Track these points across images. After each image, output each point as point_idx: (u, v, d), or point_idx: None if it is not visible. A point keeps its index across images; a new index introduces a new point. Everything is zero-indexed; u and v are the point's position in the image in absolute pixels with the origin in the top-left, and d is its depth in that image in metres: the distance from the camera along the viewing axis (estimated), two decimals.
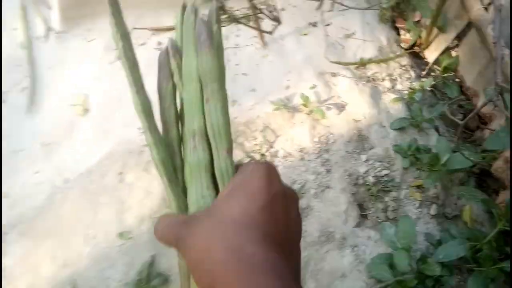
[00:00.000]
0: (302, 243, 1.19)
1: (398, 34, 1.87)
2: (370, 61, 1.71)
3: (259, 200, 0.31)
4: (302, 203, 1.31)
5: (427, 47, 1.78)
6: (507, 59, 1.26)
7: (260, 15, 1.55)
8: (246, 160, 1.39)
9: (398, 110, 1.55)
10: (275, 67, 1.69)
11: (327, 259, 1.20)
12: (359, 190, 1.35)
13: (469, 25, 1.60)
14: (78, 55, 1.69)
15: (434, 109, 1.50)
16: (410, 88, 1.63)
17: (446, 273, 1.17)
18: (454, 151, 1.33)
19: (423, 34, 1.75)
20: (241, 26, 1.69)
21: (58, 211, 1.25)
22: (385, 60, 1.72)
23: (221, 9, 1.36)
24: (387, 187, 1.35)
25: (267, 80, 1.65)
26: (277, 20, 1.56)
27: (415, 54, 1.80)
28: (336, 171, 1.38)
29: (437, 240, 1.25)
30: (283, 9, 1.86)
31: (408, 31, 1.82)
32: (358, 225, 1.28)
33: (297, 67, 1.68)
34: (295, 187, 1.35)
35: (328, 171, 1.38)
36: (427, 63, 1.75)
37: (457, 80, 1.66)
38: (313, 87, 1.61)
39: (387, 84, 1.64)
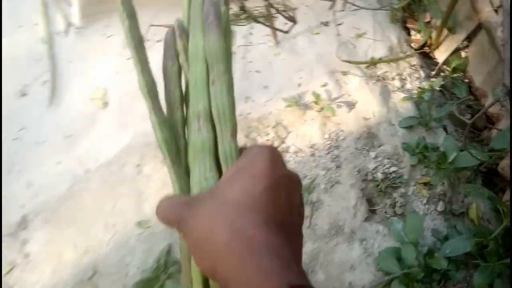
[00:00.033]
0: (312, 236, 1.24)
1: (409, 34, 1.89)
2: (381, 60, 1.74)
3: (263, 182, 0.31)
4: (313, 197, 1.34)
5: (437, 47, 1.80)
6: None
7: (275, 14, 1.58)
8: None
9: (407, 109, 1.57)
10: (287, 65, 1.72)
11: (337, 251, 1.24)
12: (368, 186, 1.38)
13: (479, 27, 1.62)
14: (97, 50, 1.73)
15: (442, 108, 1.53)
16: (419, 87, 1.65)
17: (453, 267, 1.20)
18: (461, 150, 1.36)
19: (433, 35, 1.77)
20: (254, 24, 1.72)
21: (79, 200, 1.30)
22: (395, 60, 1.74)
23: (242, 9, 1.39)
24: (395, 184, 1.38)
25: (280, 77, 1.68)
26: (293, 20, 1.58)
27: (425, 55, 1.82)
28: (346, 167, 1.41)
29: (444, 235, 1.28)
30: (295, 9, 1.88)
31: (419, 31, 1.84)
32: (366, 219, 1.31)
33: (309, 65, 1.72)
34: (306, 181, 1.38)
35: (338, 167, 1.42)
36: (436, 64, 1.77)
37: (466, 80, 1.69)
38: (324, 85, 1.64)
39: (396, 83, 1.66)
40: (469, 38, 1.71)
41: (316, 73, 1.68)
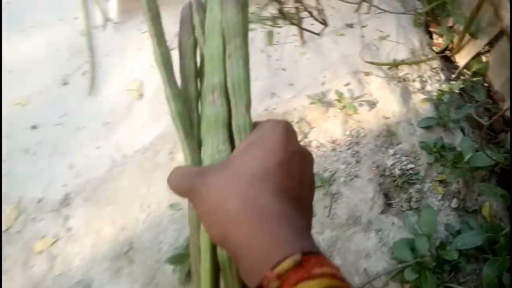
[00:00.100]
0: (331, 224, 1.33)
1: (431, 38, 1.96)
2: (403, 62, 1.81)
3: (276, 155, 0.31)
4: (333, 189, 1.44)
5: (458, 51, 1.87)
6: None
7: (305, 16, 1.68)
8: None
9: (426, 110, 1.65)
10: (312, 64, 1.81)
11: (353, 240, 1.33)
12: (385, 181, 1.47)
13: (501, 33, 1.68)
14: (133, 44, 1.85)
15: (461, 110, 1.60)
16: (439, 90, 1.73)
17: (463, 260, 1.28)
18: (477, 151, 1.43)
19: (455, 39, 1.84)
20: (281, 24, 1.82)
21: (117, 182, 1.42)
22: (416, 62, 1.82)
23: (280, 12, 1.49)
24: (412, 180, 1.46)
25: (305, 75, 1.78)
26: (324, 23, 1.68)
27: (446, 58, 1.89)
28: (365, 162, 1.50)
29: (457, 230, 1.36)
30: (322, 9, 1.97)
31: (441, 35, 1.91)
32: (383, 212, 1.40)
33: (333, 65, 1.81)
34: (326, 174, 1.48)
35: (358, 162, 1.51)
36: (457, 67, 1.84)
37: (485, 84, 1.75)
38: (347, 84, 1.73)
39: (417, 85, 1.74)
40: (491, 44, 1.77)
41: (339, 72, 1.77)
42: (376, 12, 1.94)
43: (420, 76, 1.78)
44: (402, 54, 1.86)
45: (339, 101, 1.65)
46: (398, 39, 1.91)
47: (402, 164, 1.49)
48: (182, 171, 0.35)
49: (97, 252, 1.29)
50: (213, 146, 0.36)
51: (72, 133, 1.57)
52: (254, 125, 0.36)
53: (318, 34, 1.76)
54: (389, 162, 1.50)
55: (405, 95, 1.71)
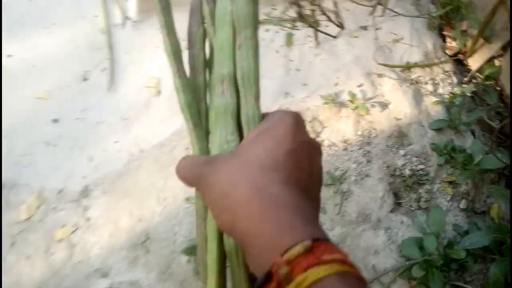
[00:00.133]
0: (341, 221, 1.38)
1: (444, 41, 2.00)
2: (416, 65, 1.85)
3: (285, 145, 0.31)
4: (343, 187, 1.48)
5: (471, 55, 1.90)
6: None
7: (319, 17, 1.73)
8: None
9: (438, 112, 1.69)
10: (326, 65, 1.86)
11: (363, 237, 1.38)
12: (395, 181, 1.51)
13: None
14: (151, 42, 1.92)
15: (472, 113, 1.64)
16: (451, 92, 1.77)
17: (470, 259, 1.31)
18: (487, 153, 1.47)
19: (469, 43, 1.87)
20: (299, 26, 1.87)
21: (134, 176, 1.48)
22: (429, 65, 1.86)
23: (300, 15, 1.54)
24: (422, 180, 1.50)
25: (318, 76, 1.83)
26: (341, 26, 1.73)
27: (458, 61, 1.93)
28: (376, 162, 1.55)
29: (464, 231, 1.40)
30: (337, 12, 2.02)
31: (454, 39, 1.95)
32: (392, 211, 1.44)
33: (346, 66, 1.85)
34: (337, 173, 1.52)
35: (369, 161, 1.55)
36: (469, 70, 1.87)
37: (497, 88, 1.79)
38: (360, 85, 1.78)
39: (429, 87, 1.78)
40: (505, 48, 1.80)
41: (353, 74, 1.82)
42: (390, 15, 1.99)
43: (433, 79, 1.82)
44: (415, 56, 1.90)
45: (351, 101, 1.70)
46: (412, 42, 1.95)
47: (412, 165, 1.53)
48: (191, 160, 0.35)
49: (115, 241, 1.36)
50: (221, 136, 0.36)
51: (91, 127, 1.64)
52: (263, 117, 0.36)
53: (334, 37, 1.81)
54: (400, 163, 1.54)
55: (417, 97, 1.75)
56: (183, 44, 0.42)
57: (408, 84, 1.79)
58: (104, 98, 1.73)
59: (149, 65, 1.83)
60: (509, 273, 1.23)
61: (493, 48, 1.82)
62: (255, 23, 0.38)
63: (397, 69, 1.84)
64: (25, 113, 1.65)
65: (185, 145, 1.54)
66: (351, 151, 1.59)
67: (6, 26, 1.94)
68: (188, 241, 1.32)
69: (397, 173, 1.52)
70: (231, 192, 0.30)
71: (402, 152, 1.57)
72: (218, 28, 0.38)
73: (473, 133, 1.64)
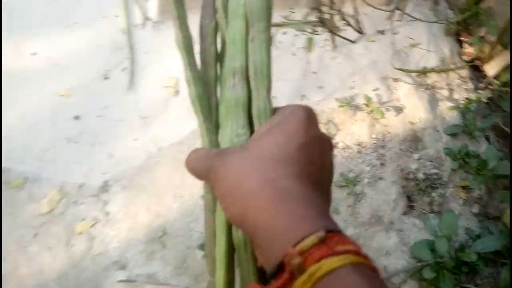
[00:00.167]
0: (354, 222, 1.43)
1: (461, 47, 2.03)
2: (432, 70, 1.89)
3: (297, 139, 0.31)
4: (357, 189, 1.53)
5: (488, 61, 1.93)
6: None
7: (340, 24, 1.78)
8: None
9: (452, 117, 1.73)
10: (342, 69, 1.91)
11: (375, 238, 1.42)
12: (408, 184, 1.55)
13: None
14: (171, 43, 1.97)
15: (487, 119, 1.67)
16: (467, 98, 1.80)
17: (482, 263, 1.35)
18: (502, 159, 1.50)
19: (486, 49, 1.90)
20: (319, 31, 1.93)
21: (152, 173, 1.55)
22: (445, 71, 1.89)
23: (321, 20, 1.60)
24: (435, 184, 1.54)
25: (334, 79, 1.87)
26: (360, 31, 1.78)
27: (475, 67, 1.96)
28: (390, 165, 1.59)
29: (476, 235, 1.43)
30: (354, 16, 2.07)
31: (471, 45, 1.98)
32: (405, 213, 1.49)
33: (362, 70, 1.90)
34: (351, 175, 1.57)
35: (382, 164, 1.60)
36: (485, 77, 1.90)
37: None
38: (376, 89, 1.82)
39: (445, 92, 1.82)
40: None
41: (369, 77, 1.87)
42: (408, 20, 2.03)
43: (449, 84, 1.86)
44: (431, 62, 1.94)
45: (367, 105, 1.74)
46: (429, 47, 1.99)
47: (426, 169, 1.57)
48: (201, 153, 0.35)
49: (133, 235, 1.42)
50: (232, 130, 0.36)
51: (111, 124, 1.71)
52: (274, 111, 0.36)
53: (353, 42, 1.86)
54: (414, 166, 1.58)
55: (433, 102, 1.79)
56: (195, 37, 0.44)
57: (423, 89, 1.83)
58: (124, 97, 1.81)
59: (168, 65, 1.90)
60: None
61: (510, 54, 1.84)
62: (268, 17, 0.38)
63: (413, 74, 1.88)
64: (48, 110, 1.73)
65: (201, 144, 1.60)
66: (365, 154, 1.64)
67: (30, 24, 2.03)
68: (203, 237, 1.37)
69: (411, 176, 1.57)
70: (242, 184, 0.30)
71: (416, 156, 1.61)
72: (230, 21, 0.38)
73: (487, 139, 1.67)
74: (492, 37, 1.86)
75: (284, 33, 2.00)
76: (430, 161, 1.59)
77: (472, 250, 1.34)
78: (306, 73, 1.89)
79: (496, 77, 1.87)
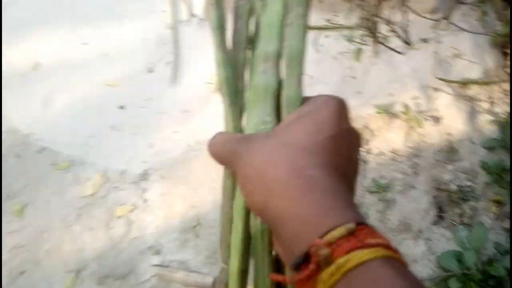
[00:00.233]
0: (383, 228, 1.50)
1: (506, 60, 2.05)
2: (474, 81, 1.92)
3: (328, 130, 0.31)
4: (388, 196, 1.59)
5: None
6: None
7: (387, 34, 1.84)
8: None
9: (491, 131, 1.76)
10: (382, 75, 1.97)
11: (403, 245, 1.48)
12: (440, 194, 1.60)
13: None
14: None
15: None
16: (508, 112, 1.82)
17: (509, 278, 1.39)
18: None
19: None
20: (356, 34, 1.99)
21: (190, 165, 1.66)
22: (488, 83, 1.92)
23: (370, 31, 1.66)
24: (467, 197, 1.59)
25: (373, 85, 1.94)
26: (408, 43, 1.84)
27: None
28: (423, 175, 1.64)
29: (506, 250, 1.47)
30: (396, 23, 2.12)
31: None
32: (434, 223, 1.54)
33: (403, 77, 1.95)
34: (383, 181, 1.63)
35: (415, 173, 1.65)
36: None
37: None
38: (415, 98, 1.87)
39: (485, 105, 1.85)
40: None
41: (408, 85, 1.92)
42: (453, 29, 2.06)
43: (490, 97, 1.88)
44: (474, 73, 1.97)
45: (404, 113, 1.80)
46: (472, 58, 2.01)
47: (459, 181, 1.62)
48: (225, 136, 0.35)
49: (168, 223, 1.54)
50: (258, 116, 0.36)
51: (154, 116, 1.84)
52: (304, 101, 0.36)
53: (400, 53, 1.92)
54: (447, 177, 1.63)
55: (472, 114, 1.82)
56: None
57: (464, 101, 1.87)
58: (166, 90, 1.93)
59: (211, 62, 2.01)
60: None
61: None
62: (308, 2, 0.37)
63: (454, 85, 1.92)
64: (96, 98, 1.88)
65: None
66: (399, 161, 1.69)
67: (83, 15, 2.19)
68: None
69: (443, 187, 1.61)
70: (267, 171, 0.30)
71: (450, 167, 1.66)
72: (268, 4, 0.38)
73: None
74: None
75: (326, 36, 2.07)
76: (464, 173, 1.63)
77: (500, 265, 1.38)
78: (345, 78, 1.96)
79: None
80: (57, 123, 1.79)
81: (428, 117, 1.81)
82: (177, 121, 1.81)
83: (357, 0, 1.74)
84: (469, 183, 1.61)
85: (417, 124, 1.76)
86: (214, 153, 0.35)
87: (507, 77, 1.96)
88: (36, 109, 1.84)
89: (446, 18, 2.03)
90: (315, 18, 2.07)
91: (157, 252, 1.49)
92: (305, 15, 0.37)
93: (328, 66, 1.98)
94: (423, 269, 1.43)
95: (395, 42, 1.95)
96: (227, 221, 0.37)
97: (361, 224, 0.27)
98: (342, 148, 0.32)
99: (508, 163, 1.65)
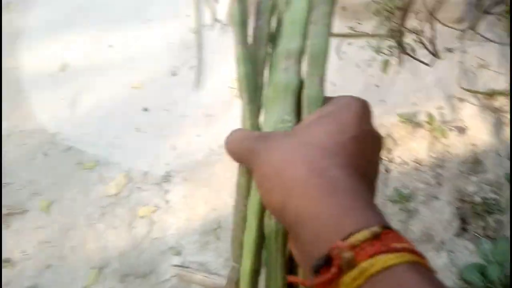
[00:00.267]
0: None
1: None
2: (500, 93, 1.92)
3: (349, 131, 0.31)
4: (410, 205, 1.60)
5: None
6: None
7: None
8: None
9: None
10: (406, 84, 1.98)
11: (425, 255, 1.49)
12: (464, 206, 1.61)
13: None
14: None
15: None
16: None
17: None
18: None
19: None
20: (383, 45, 2.01)
21: (212, 168, 1.70)
22: None
23: (399, 44, 1.69)
24: (492, 209, 1.58)
25: (397, 94, 1.95)
26: (436, 55, 1.85)
27: None
28: (446, 185, 1.65)
29: None
30: (422, 31, 2.13)
31: None
32: (457, 235, 1.54)
33: (427, 87, 1.96)
34: (405, 191, 1.64)
35: (439, 184, 1.66)
36: None
37: None
38: (440, 107, 1.88)
39: None
40: None
41: (433, 95, 1.93)
42: (479, 40, 2.06)
43: None
44: (500, 84, 1.96)
45: (428, 123, 1.81)
46: (498, 69, 2.01)
47: (484, 193, 1.62)
48: (243, 133, 0.35)
49: (190, 225, 1.57)
50: (278, 115, 0.35)
51: (177, 119, 1.88)
52: (325, 101, 0.36)
53: (428, 65, 1.93)
54: (471, 189, 1.63)
55: (498, 125, 1.82)
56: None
57: (489, 112, 1.87)
58: (190, 94, 1.98)
59: (233, 66, 2.05)
60: None
61: None
62: (333, 2, 0.37)
63: (480, 95, 1.92)
64: (121, 100, 1.93)
65: None
66: (422, 171, 1.70)
67: (109, 19, 2.26)
68: None
69: (467, 199, 1.62)
70: (286, 170, 0.29)
71: (474, 178, 1.66)
72: (293, 1, 0.38)
73: None
74: None
75: (349, 44, 2.10)
76: (489, 186, 1.63)
77: None
78: (368, 86, 1.97)
79: None
80: (83, 124, 1.85)
81: (452, 128, 1.82)
82: (200, 124, 1.85)
83: (385, 12, 1.76)
84: (493, 196, 1.61)
85: (441, 134, 1.77)
86: (231, 150, 0.35)
87: None
88: (63, 109, 1.90)
89: (472, 28, 2.03)
90: (338, 25, 2.10)
91: (178, 253, 1.52)
92: (330, 14, 0.37)
93: (351, 74, 2.00)
94: (445, 280, 1.43)
95: (422, 53, 1.96)
96: (241, 220, 0.37)
97: (387, 228, 0.27)
98: (364, 149, 0.32)
99: None
